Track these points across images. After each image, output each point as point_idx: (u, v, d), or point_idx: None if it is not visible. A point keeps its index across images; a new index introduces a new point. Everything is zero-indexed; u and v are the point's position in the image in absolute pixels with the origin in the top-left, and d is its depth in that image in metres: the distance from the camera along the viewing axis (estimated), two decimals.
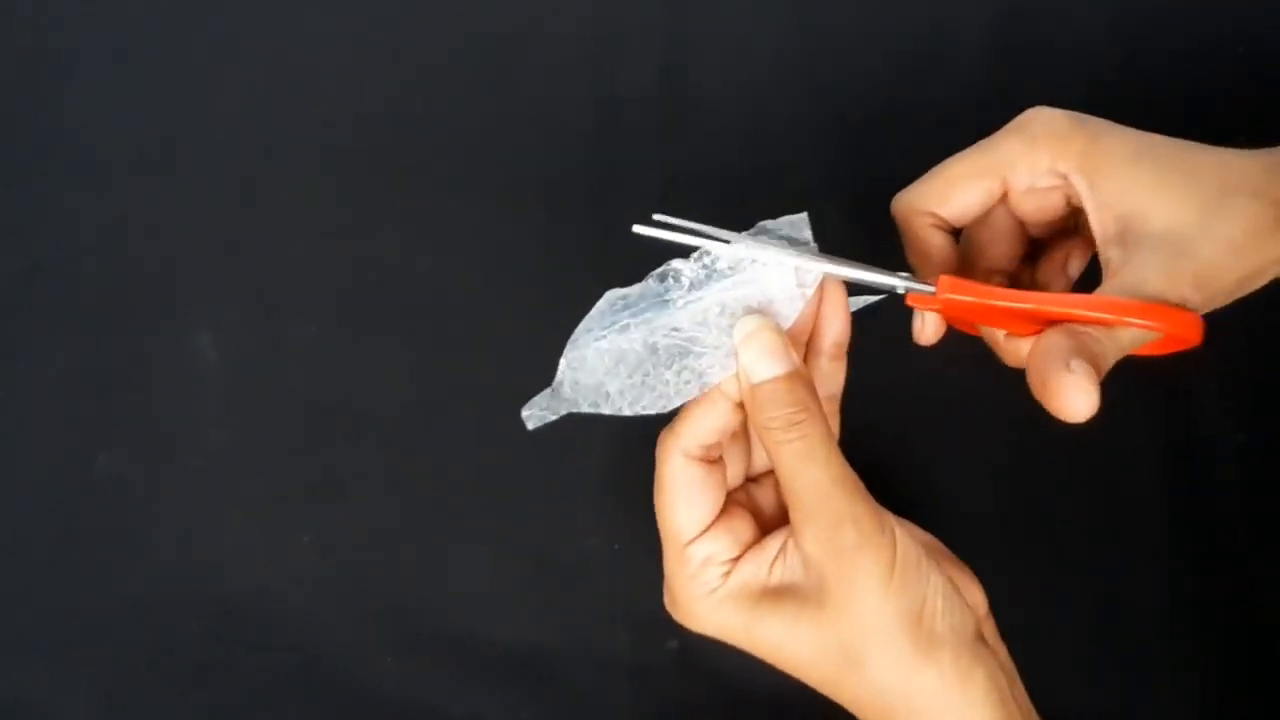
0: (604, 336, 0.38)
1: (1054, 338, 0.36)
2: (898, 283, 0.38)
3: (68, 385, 0.50)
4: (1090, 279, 0.39)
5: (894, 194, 0.42)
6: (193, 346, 0.50)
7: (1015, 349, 0.40)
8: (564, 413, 0.39)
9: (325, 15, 0.54)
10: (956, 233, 0.41)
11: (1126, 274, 0.36)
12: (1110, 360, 0.36)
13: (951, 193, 0.40)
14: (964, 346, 0.48)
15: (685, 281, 0.38)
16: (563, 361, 0.38)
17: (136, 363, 0.50)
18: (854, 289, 0.39)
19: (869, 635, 0.36)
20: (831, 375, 0.40)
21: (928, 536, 0.40)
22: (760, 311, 0.38)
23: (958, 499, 0.47)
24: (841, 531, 0.36)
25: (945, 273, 0.39)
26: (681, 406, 0.39)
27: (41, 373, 0.50)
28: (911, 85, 0.52)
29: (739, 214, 0.50)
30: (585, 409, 0.39)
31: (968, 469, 0.48)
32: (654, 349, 0.38)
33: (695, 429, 0.39)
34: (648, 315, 0.38)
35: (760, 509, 0.41)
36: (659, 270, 0.38)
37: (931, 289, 0.37)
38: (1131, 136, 0.38)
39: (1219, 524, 0.46)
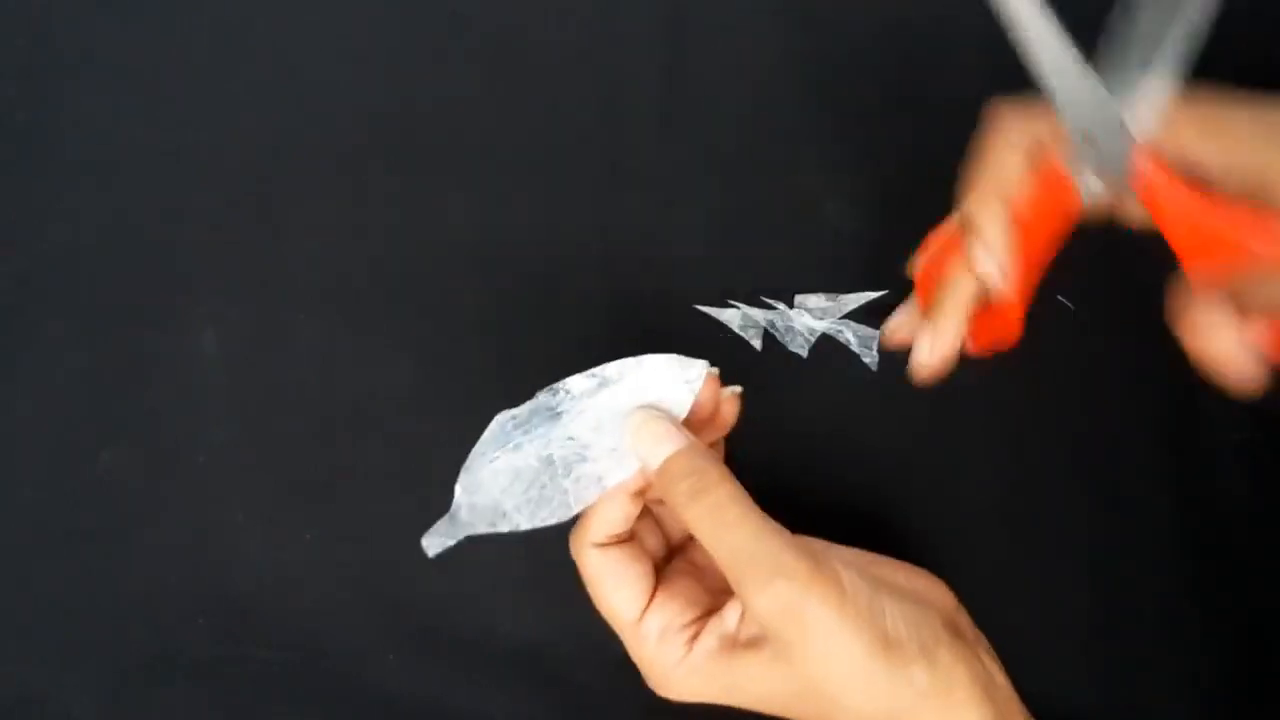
0: (497, 457, 0.39)
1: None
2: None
3: (70, 383, 0.49)
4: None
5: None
6: (195, 344, 0.50)
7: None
8: (463, 537, 0.40)
9: (329, 12, 0.54)
10: None
11: None
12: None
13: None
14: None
15: (576, 393, 0.39)
16: (458, 488, 0.40)
17: (139, 360, 0.50)
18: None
19: (839, 675, 0.36)
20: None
21: (862, 554, 0.41)
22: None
23: (957, 499, 0.47)
24: (776, 588, 0.36)
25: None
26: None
27: (44, 371, 0.50)
28: (919, 79, 0.51)
29: (745, 212, 0.51)
30: (483, 530, 0.40)
31: (967, 468, 0.48)
32: (549, 461, 0.39)
33: (599, 523, 0.40)
34: (540, 430, 0.39)
35: (701, 568, 0.42)
36: (548, 387, 0.39)
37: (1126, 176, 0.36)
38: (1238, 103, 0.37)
39: (1222, 523, 0.46)
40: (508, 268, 0.51)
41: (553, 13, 0.54)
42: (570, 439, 0.39)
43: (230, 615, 0.47)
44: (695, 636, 0.39)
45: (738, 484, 0.38)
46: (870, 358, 0.46)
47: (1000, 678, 0.39)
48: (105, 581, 0.47)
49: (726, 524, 0.37)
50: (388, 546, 0.47)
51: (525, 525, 0.39)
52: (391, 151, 0.52)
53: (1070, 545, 0.47)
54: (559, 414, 0.39)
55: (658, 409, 0.39)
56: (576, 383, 0.39)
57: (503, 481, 0.39)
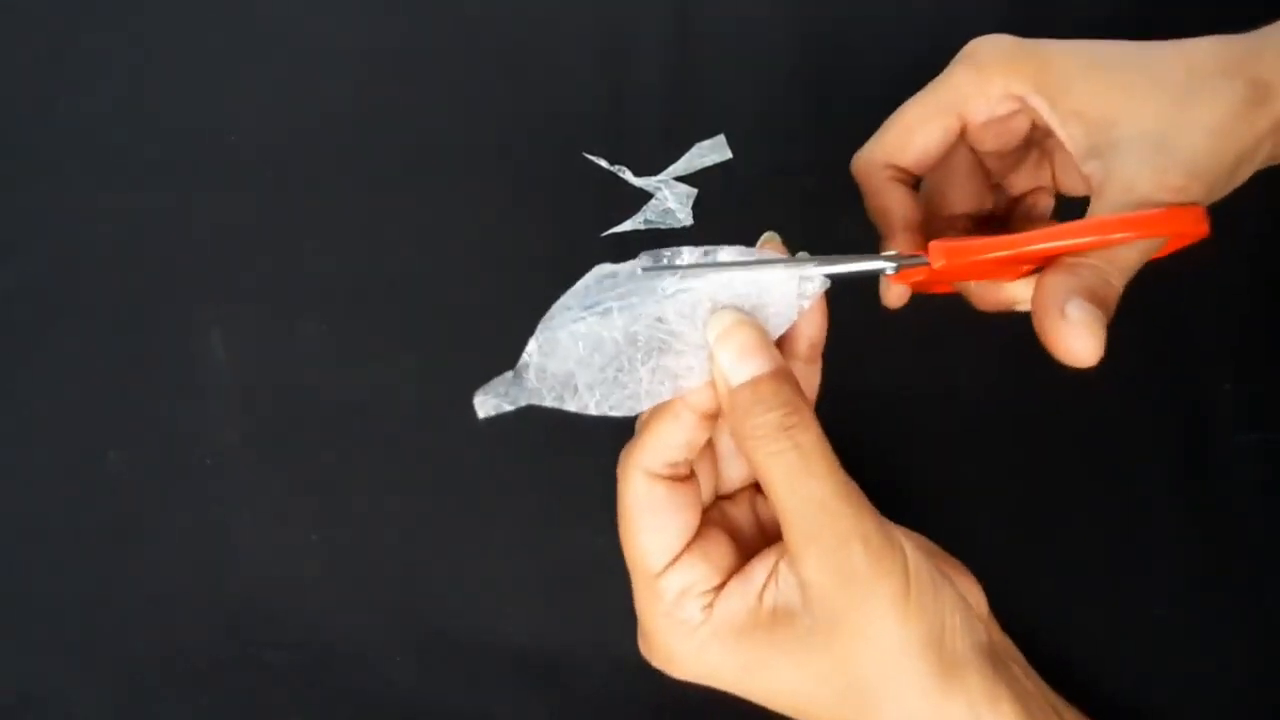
0: (582, 318, 0.33)
1: (1051, 279, 0.33)
2: (887, 265, 0.35)
3: (77, 384, 0.50)
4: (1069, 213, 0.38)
5: None
6: (202, 345, 0.50)
7: (987, 295, 0.38)
8: (523, 404, 0.34)
9: (335, 15, 0.54)
10: (917, 183, 0.40)
11: (1114, 184, 0.34)
12: (1118, 285, 0.34)
13: (909, 139, 0.38)
14: (970, 346, 0.49)
15: (681, 266, 0.33)
16: (532, 343, 0.34)
17: (146, 362, 0.50)
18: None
19: (888, 668, 0.32)
20: (806, 379, 0.36)
21: (921, 539, 0.37)
22: (746, 311, 0.34)
23: (964, 501, 0.47)
24: (849, 553, 0.32)
25: (909, 228, 0.38)
26: (639, 418, 0.35)
27: (51, 372, 0.50)
28: (923, 81, 0.52)
29: (748, 216, 0.51)
30: (548, 402, 0.34)
31: (975, 471, 0.47)
32: (634, 339, 0.33)
33: (659, 444, 0.34)
34: (633, 300, 0.33)
35: (737, 528, 0.37)
36: (657, 250, 0.34)
37: (923, 261, 0.34)
38: (1084, 46, 0.36)
39: (1233, 525, 0.46)
40: (514, 269, 0.51)
41: (558, 18, 0.54)
42: (660, 320, 0.33)
43: (236, 616, 0.47)
44: (712, 605, 0.34)
45: (820, 429, 0.33)
46: (684, 213, 0.46)
47: (1031, 685, 0.37)
48: (112, 582, 0.47)
49: (809, 472, 0.32)
50: (394, 548, 0.47)
51: (593, 409, 0.33)
52: (398, 154, 0.52)
53: (1081, 549, 0.47)
54: (655, 288, 0.33)
55: (757, 316, 0.33)
56: (688, 253, 0.33)
57: (581, 350, 0.33)
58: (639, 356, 0.33)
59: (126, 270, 0.51)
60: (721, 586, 0.35)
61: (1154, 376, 0.48)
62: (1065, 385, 0.48)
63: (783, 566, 0.34)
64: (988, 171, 0.40)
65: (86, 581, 0.47)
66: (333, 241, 0.51)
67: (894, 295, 0.38)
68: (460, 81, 0.53)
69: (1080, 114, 0.35)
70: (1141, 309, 0.48)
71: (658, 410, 0.35)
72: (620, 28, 0.54)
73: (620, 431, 0.48)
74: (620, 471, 0.35)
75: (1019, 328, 0.48)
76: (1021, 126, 0.38)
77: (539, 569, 0.47)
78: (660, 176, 0.51)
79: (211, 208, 0.52)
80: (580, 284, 0.34)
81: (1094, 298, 0.33)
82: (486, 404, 0.34)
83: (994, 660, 0.35)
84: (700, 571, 0.35)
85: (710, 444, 0.37)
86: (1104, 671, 0.45)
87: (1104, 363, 0.48)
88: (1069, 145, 0.36)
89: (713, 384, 0.34)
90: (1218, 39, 0.35)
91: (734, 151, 0.51)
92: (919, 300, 0.47)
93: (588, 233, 0.51)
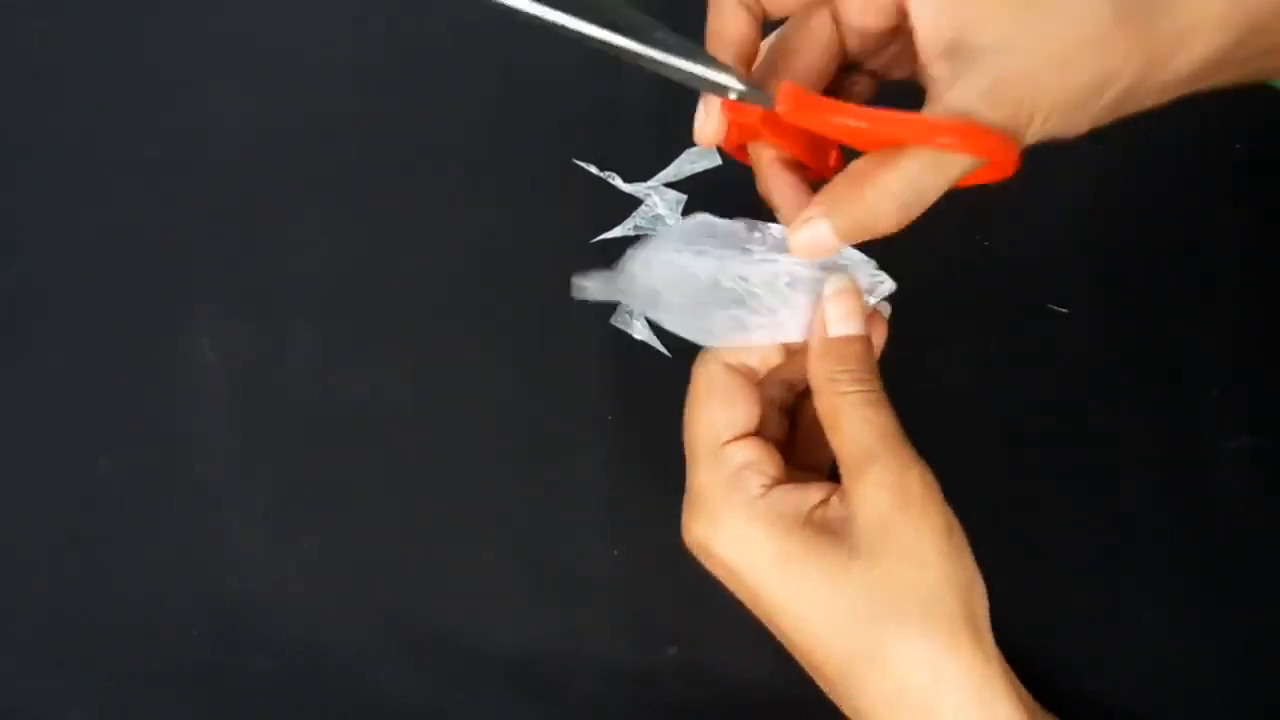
0: (681, 251, 0.37)
1: (858, 165, 0.33)
2: (731, 83, 0.34)
3: (68, 391, 0.50)
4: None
5: None
6: (194, 351, 0.50)
7: (774, 176, 0.37)
8: (614, 299, 0.38)
9: (327, 17, 0.54)
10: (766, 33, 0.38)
11: (952, 93, 0.32)
12: (931, 191, 0.33)
13: None
14: (959, 349, 0.49)
15: (770, 241, 0.38)
16: (633, 253, 0.38)
17: (138, 367, 0.50)
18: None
19: (922, 598, 0.34)
20: None
21: None
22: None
23: (953, 504, 0.47)
24: (908, 477, 0.34)
25: (740, 58, 0.36)
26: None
27: (43, 378, 0.50)
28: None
29: (744, 215, 0.51)
30: (635, 305, 0.39)
31: (963, 474, 0.47)
32: (716, 286, 0.37)
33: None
34: (726, 253, 0.37)
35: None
36: (752, 220, 0.38)
37: (765, 99, 0.34)
38: None
39: (1221, 530, 0.46)
40: (508, 273, 0.51)
41: None
42: (743, 279, 0.37)
43: (228, 623, 0.47)
44: (770, 487, 0.36)
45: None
46: (674, 219, 0.49)
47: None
48: (103, 589, 0.47)
49: (880, 410, 0.35)
50: (388, 554, 0.47)
51: (669, 325, 0.38)
52: (391, 158, 0.52)
53: (1069, 553, 0.47)
54: (747, 250, 0.38)
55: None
56: (778, 230, 0.38)
57: (671, 275, 0.37)
58: (718, 302, 0.37)
59: (117, 278, 0.51)
60: (777, 485, 0.36)
61: (1143, 381, 0.48)
62: (1054, 389, 0.48)
63: (835, 499, 0.36)
64: (843, 50, 0.38)
65: (77, 588, 0.47)
66: (326, 244, 0.51)
67: (710, 127, 0.36)
68: (452, 84, 0.53)
69: (943, 10, 0.33)
70: (1130, 315, 0.48)
71: None
72: None
73: (620, 437, 0.49)
74: (698, 361, 0.38)
75: (1012, 330, 0.49)
76: (888, 6, 0.35)
77: (535, 575, 0.47)
78: (650, 182, 0.51)
79: (208, 210, 0.52)
80: (682, 224, 0.39)
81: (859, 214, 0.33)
82: (585, 289, 0.38)
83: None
84: (762, 453, 0.37)
85: (771, 384, 0.40)
86: (1094, 674, 0.45)
87: (1093, 368, 0.48)
88: (919, 40, 0.34)
89: (815, 324, 0.37)
90: None
91: (723, 157, 0.51)
92: (909, 303, 0.47)
93: (579, 237, 0.51)
